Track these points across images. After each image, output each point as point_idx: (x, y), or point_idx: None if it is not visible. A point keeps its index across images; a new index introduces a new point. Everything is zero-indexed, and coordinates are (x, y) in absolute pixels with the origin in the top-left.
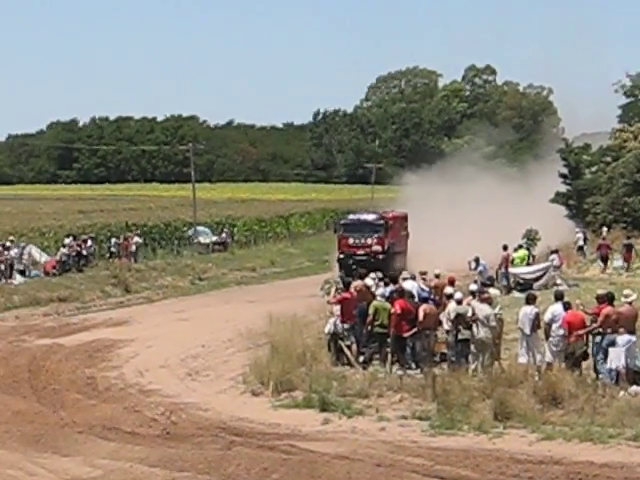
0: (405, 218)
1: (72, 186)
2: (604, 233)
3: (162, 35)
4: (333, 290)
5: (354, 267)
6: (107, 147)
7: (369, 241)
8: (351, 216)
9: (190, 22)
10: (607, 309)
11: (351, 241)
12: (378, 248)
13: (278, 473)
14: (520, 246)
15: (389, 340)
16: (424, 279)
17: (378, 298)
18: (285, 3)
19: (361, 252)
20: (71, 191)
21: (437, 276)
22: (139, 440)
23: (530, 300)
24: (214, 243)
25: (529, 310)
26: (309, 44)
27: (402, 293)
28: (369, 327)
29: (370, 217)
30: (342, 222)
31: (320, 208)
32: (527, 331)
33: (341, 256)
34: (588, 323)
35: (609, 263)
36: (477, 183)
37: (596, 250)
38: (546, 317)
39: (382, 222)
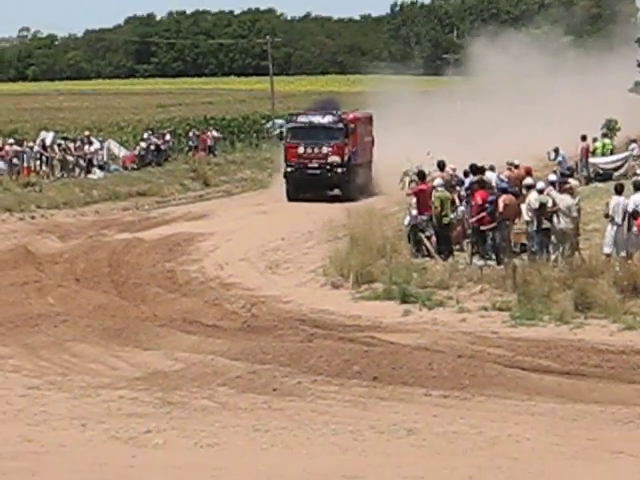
0: (370, 120)
1: (150, 80)
2: None
3: None
4: (407, 181)
5: (305, 183)
6: (184, 41)
7: (324, 150)
8: (301, 117)
9: None
10: None
11: (301, 150)
12: (336, 159)
13: (359, 365)
14: (604, 135)
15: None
16: (509, 169)
17: (439, 189)
18: None
19: (314, 164)
20: (149, 85)
21: (516, 167)
22: (220, 333)
23: (619, 190)
24: None
25: (622, 200)
26: None
27: (483, 184)
28: (437, 221)
29: (326, 119)
30: (290, 126)
31: None
32: (619, 221)
33: (289, 169)
34: None
35: None
36: (554, 74)
37: None
38: (630, 207)
39: (341, 126)
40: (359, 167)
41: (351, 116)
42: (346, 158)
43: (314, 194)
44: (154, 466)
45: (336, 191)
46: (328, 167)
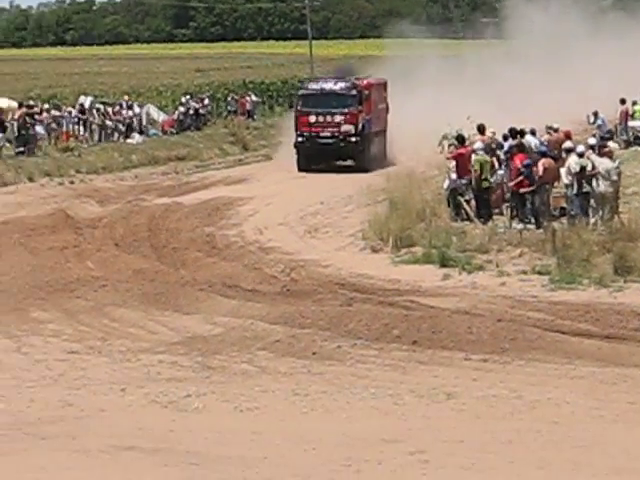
0: (384, 86)
1: (188, 45)
2: None
3: None
4: (446, 145)
5: (317, 154)
6: (223, 5)
7: (337, 118)
8: (312, 85)
9: None
10: None
11: (313, 119)
12: (349, 128)
13: (399, 329)
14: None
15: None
16: (549, 133)
17: (479, 152)
18: None
19: (326, 134)
20: (188, 50)
21: (555, 130)
22: (259, 297)
23: None
24: None
25: None
26: None
27: (522, 147)
28: (476, 185)
29: (338, 86)
30: (300, 93)
31: None
32: None
33: (300, 139)
34: None
35: None
36: (594, 36)
37: None
38: None
39: (355, 93)
40: (374, 136)
41: (365, 82)
42: (360, 127)
43: (326, 165)
44: (194, 430)
45: (349, 162)
46: (341, 136)
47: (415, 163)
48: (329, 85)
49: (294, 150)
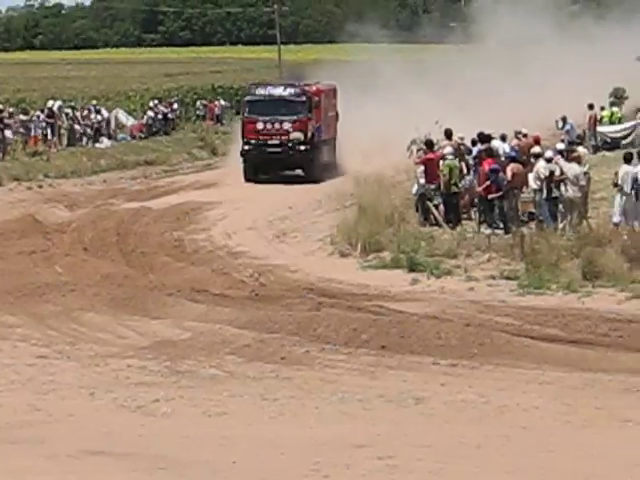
0: (334, 92)
1: (157, 49)
2: None
3: None
4: (415, 150)
5: (264, 163)
6: (192, 10)
7: (286, 126)
8: (260, 90)
9: None
10: None
11: (260, 126)
12: (299, 136)
13: (367, 334)
14: (611, 103)
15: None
16: (518, 138)
17: (448, 157)
18: None
19: (275, 141)
20: (156, 54)
21: (524, 135)
22: (228, 302)
23: (629, 159)
24: None
25: (631, 169)
26: None
27: (490, 152)
28: (445, 189)
29: (287, 91)
30: (247, 99)
31: None
32: (628, 190)
33: (246, 147)
34: None
35: None
36: (562, 42)
37: None
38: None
39: (304, 99)
40: (323, 144)
41: (314, 88)
42: (310, 134)
43: (273, 174)
44: (162, 435)
45: (298, 171)
46: (290, 145)
47: (369, 171)
48: (277, 91)
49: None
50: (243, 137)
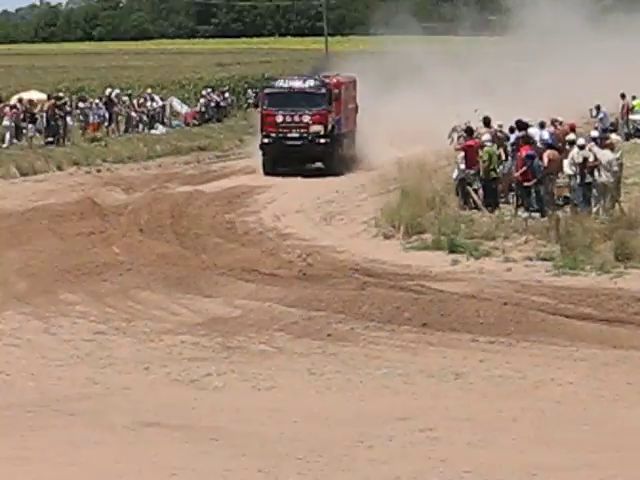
0: (354, 84)
1: (210, 40)
2: None
3: None
4: (455, 137)
5: (284, 156)
6: (243, 2)
7: (305, 118)
8: (279, 82)
9: None
10: None
11: (280, 119)
12: (319, 128)
13: (409, 312)
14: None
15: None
16: (554, 125)
17: (487, 144)
18: None
19: (294, 134)
20: (209, 45)
21: (560, 123)
22: (276, 281)
23: None
24: None
25: None
26: None
27: (528, 139)
28: (484, 175)
29: (307, 84)
30: (266, 92)
31: None
32: None
33: (265, 140)
34: None
35: None
36: (597, 35)
37: None
38: None
39: (324, 91)
40: (343, 137)
41: (334, 80)
42: (330, 127)
43: (293, 168)
44: (214, 408)
45: (318, 164)
46: (310, 137)
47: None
48: (297, 83)
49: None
50: (262, 130)
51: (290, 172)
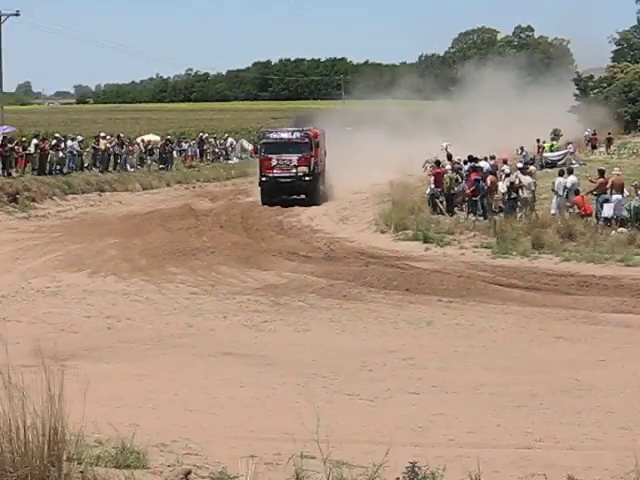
0: (324, 135)
1: (267, 102)
2: (590, 131)
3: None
4: (428, 167)
5: (277, 191)
6: (290, 77)
7: (294, 162)
8: (272, 134)
9: None
10: (601, 179)
11: (274, 162)
12: (305, 169)
13: (397, 281)
14: (552, 138)
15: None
16: (492, 159)
17: (449, 172)
18: None
19: (286, 174)
20: (267, 105)
21: (492, 158)
22: (310, 261)
23: (562, 174)
24: None
25: (563, 180)
26: None
27: (475, 168)
28: (446, 191)
29: (294, 135)
30: (263, 141)
31: None
32: (560, 193)
33: (263, 179)
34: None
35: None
36: (521, 100)
37: (588, 142)
38: (568, 184)
39: (307, 140)
40: (319, 175)
41: (314, 131)
42: (312, 168)
43: (284, 199)
44: (269, 342)
45: (302, 196)
46: (298, 176)
47: (398, 181)
48: (287, 135)
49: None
50: (261, 171)
51: (283, 202)
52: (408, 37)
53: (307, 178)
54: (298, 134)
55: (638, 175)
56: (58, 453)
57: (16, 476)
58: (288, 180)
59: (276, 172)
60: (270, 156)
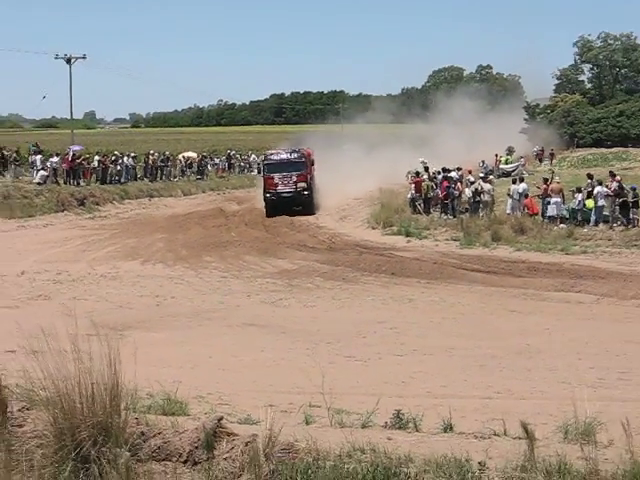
0: (313, 154)
1: (282, 126)
2: (537, 147)
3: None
4: (410, 177)
5: (279, 205)
6: (300, 106)
7: (294, 179)
8: (273, 156)
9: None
10: (545, 186)
11: (277, 180)
12: (303, 185)
13: (385, 266)
14: (507, 153)
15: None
16: (459, 169)
17: (426, 180)
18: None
19: (287, 190)
20: (281, 129)
21: (458, 169)
22: (316, 251)
23: (515, 181)
24: None
25: (516, 186)
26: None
27: (447, 178)
28: (424, 196)
29: (293, 155)
30: (265, 163)
31: None
32: (516, 197)
33: (267, 195)
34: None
35: (544, 162)
36: (483, 123)
37: (536, 156)
38: (520, 190)
39: (304, 159)
40: (313, 189)
41: (307, 151)
42: (309, 183)
43: (284, 211)
44: (284, 316)
45: (300, 208)
46: (298, 191)
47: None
48: (286, 155)
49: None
50: (265, 189)
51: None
52: (393, 73)
53: (305, 192)
54: (295, 154)
55: (575, 182)
56: (117, 404)
57: (86, 423)
58: (290, 195)
59: (279, 188)
60: (273, 175)
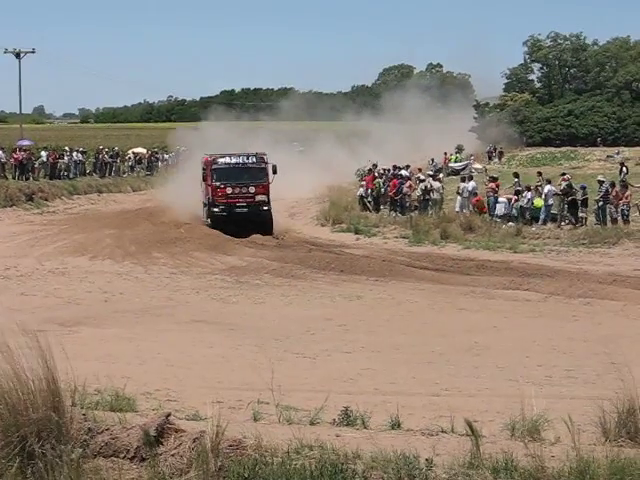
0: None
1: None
2: (491, 146)
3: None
4: (360, 174)
5: (233, 223)
6: (249, 102)
7: (252, 190)
8: (226, 159)
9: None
10: (492, 184)
11: (229, 191)
12: (263, 198)
13: (334, 264)
14: (456, 152)
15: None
16: (408, 167)
17: (377, 178)
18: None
19: (243, 204)
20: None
21: (407, 167)
22: (265, 248)
23: (465, 179)
24: None
25: (465, 185)
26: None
27: (396, 175)
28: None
29: (249, 160)
30: (214, 167)
31: None
32: (465, 195)
33: (215, 210)
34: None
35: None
36: (432, 121)
37: (488, 155)
38: (470, 187)
39: (263, 166)
40: (270, 203)
41: (265, 156)
42: (269, 196)
43: (237, 232)
44: (233, 312)
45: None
46: (256, 206)
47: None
48: (241, 159)
49: (207, 220)
50: (214, 202)
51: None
52: (343, 71)
53: (265, 207)
54: (254, 159)
55: (525, 181)
56: (58, 400)
57: (29, 418)
58: (245, 209)
59: (232, 201)
60: (224, 183)
